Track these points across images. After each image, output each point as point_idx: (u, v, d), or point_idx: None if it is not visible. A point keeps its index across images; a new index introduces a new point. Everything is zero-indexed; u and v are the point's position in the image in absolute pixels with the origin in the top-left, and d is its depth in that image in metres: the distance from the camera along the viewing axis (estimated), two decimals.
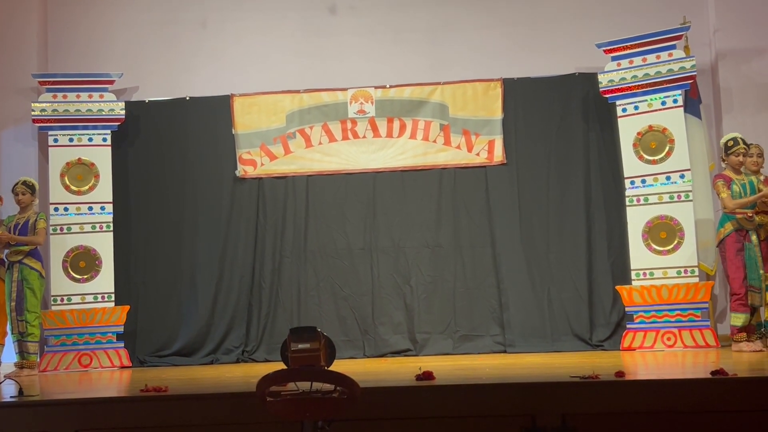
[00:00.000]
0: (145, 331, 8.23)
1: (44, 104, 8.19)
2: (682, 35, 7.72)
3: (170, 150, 8.50)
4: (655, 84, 7.63)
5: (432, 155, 8.31)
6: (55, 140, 8.22)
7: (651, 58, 7.66)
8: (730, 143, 7.05)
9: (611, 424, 4.24)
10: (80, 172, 8.18)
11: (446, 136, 8.29)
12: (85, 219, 8.11)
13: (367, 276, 8.22)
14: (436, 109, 8.31)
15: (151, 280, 8.36)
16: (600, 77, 7.81)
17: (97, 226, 8.12)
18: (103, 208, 8.15)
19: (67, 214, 8.09)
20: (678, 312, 7.33)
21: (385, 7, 8.70)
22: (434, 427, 4.35)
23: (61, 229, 8.06)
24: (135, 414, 4.58)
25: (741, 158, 7.01)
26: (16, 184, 7.75)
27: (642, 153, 7.65)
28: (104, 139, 8.27)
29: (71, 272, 8.01)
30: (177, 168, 8.48)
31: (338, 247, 8.29)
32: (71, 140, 8.22)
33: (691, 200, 7.49)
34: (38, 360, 7.65)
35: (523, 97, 8.26)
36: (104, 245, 8.09)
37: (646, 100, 7.68)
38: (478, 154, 8.25)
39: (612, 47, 7.79)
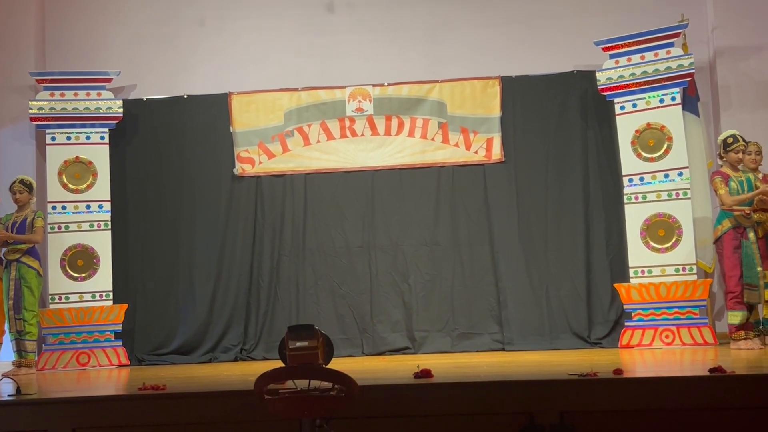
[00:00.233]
0: (143, 329, 8.23)
1: (42, 102, 8.18)
2: (681, 33, 7.72)
3: (168, 148, 8.50)
4: (653, 82, 7.63)
5: (430, 153, 8.30)
6: (53, 138, 8.21)
7: (649, 55, 7.65)
8: (730, 140, 7.05)
9: (609, 421, 4.23)
10: (78, 171, 8.17)
11: (444, 134, 8.29)
12: (83, 217, 8.10)
13: (365, 274, 8.22)
14: (434, 107, 8.31)
15: (150, 279, 8.36)
16: (598, 75, 7.80)
17: (95, 224, 8.11)
18: (101, 207, 8.15)
19: (64, 213, 8.08)
20: (676, 310, 7.33)
21: (383, 5, 8.69)
22: (432, 425, 4.35)
23: (59, 228, 8.05)
24: (133, 412, 4.57)
25: (740, 155, 7.00)
26: (14, 182, 7.74)
27: (640, 151, 7.65)
28: (102, 138, 8.26)
29: (69, 271, 8.00)
30: (175, 166, 8.47)
31: (336, 245, 8.29)
32: (69, 138, 8.21)
33: (689, 198, 7.49)
34: (36, 359, 7.64)
35: (521, 95, 8.26)
36: (102, 244, 8.09)
37: (645, 98, 7.68)
38: (476, 152, 8.24)
39: (610, 45, 7.78)
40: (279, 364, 4.30)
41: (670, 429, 4.20)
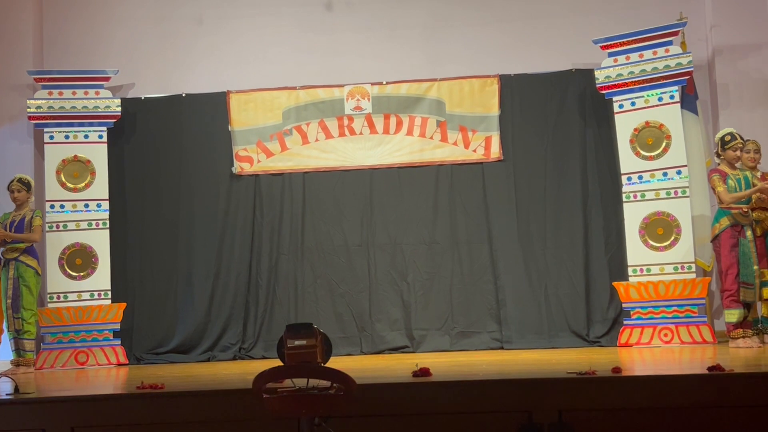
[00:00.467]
0: (142, 328, 8.23)
1: (40, 101, 8.17)
2: (679, 31, 7.72)
3: (166, 147, 8.49)
4: (651, 80, 7.63)
5: (429, 152, 8.30)
6: (51, 137, 8.20)
7: (648, 54, 7.65)
8: (727, 138, 7.04)
9: (608, 420, 4.24)
10: (76, 169, 8.16)
11: (443, 133, 8.28)
12: (81, 216, 8.09)
13: (364, 273, 8.22)
14: (432, 106, 8.30)
15: (148, 278, 8.35)
16: (597, 73, 7.80)
17: (93, 223, 8.11)
18: (99, 206, 8.14)
19: (63, 212, 8.07)
20: (675, 308, 7.33)
21: (381, 4, 8.69)
22: (431, 424, 4.35)
23: (57, 227, 8.04)
24: (131, 411, 4.57)
25: (737, 153, 7.00)
26: (12, 181, 7.74)
27: (639, 149, 7.65)
28: (100, 136, 8.25)
29: (67, 270, 7.99)
30: (173, 165, 8.46)
31: (335, 243, 8.29)
32: (67, 137, 8.20)
33: (687, 196, 7.49)
34: (34, 357, 7.64)
35: (519, 94, 8.26)
36: (100, 242, 8.08)
37: (643, 96, 7.68)
38: (474, 151, 8.24)
39: (609, 43, 7.78)
40: (278, 362, 4.32)
41: (668, 427, 4.20)
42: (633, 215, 7.61)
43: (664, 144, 7.58)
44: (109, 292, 8.04)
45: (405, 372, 5.13)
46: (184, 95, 8.51)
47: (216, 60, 8.67)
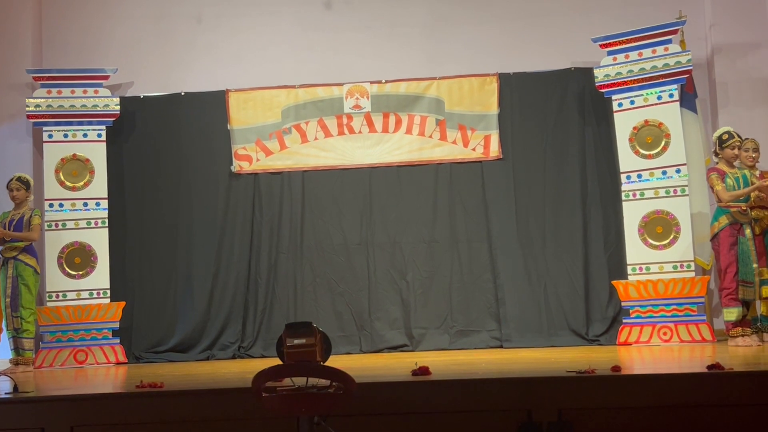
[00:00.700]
0: (141, 327, 8.22)
1: (39, 100, 8.17)
2: (678, 30, 7.71)
3: (165, 146, 8.48)
4: (651, 78, 7.62)
5: (428, 150, 8.30)
6: (50, 136, 8.20)
7: (647, 52, 7.65)
8: (725, 136, 7.04)
9: (608, 418, 4.24)
10: (75, 168, 8.15)
11: (442, 132, 8.28)
12: (80, 215, 8.09)
13: (363, 271, 8.22)
14: (431, 104, 8.30)
15: (147, 277, 8.35)
16: (596, 72, 7.80)
17: (92, 222, 8.10)
18: (98, 204, 8.13)
19: (62, 210, 8.07)
20: (674, 307, 7.33)
21: (380, 2, 8.68)
22: (430, 423, 4.35)
23: (56, 225, 8.04)
24: (131, 410, 4.57)
25: (735, 151, 7.00)
26: (11, 180, 7.74)
27: (638, 148, 7.65)
28: (99, 135, 8.24)
29: (66, 268, 7.99)
30: (172, 163, 8.46)
31: (334, 242, 8.29)
32: (66, 136, 8.19)
33: (687, 195, 7.49)
34: (33, 356, 7.64)
35: (519, 92, 8.26)
36: (99, 241, 8.08)
37: (642, 95, 7.67)
38: (474, 149, 8.24)
39: (608, 42, 7.78)
40: (277, 361, 4.31)
41: (668, 426, 4.20)
42: (632, 214, 7.61)
43: (663, 143, 7.58)
44: (108, 291, 8.04)
45: (404, 371, 5.13)
46: (183, 94, 8.51)
47: (215, 58, 8.67)
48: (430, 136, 8.30)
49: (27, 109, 8.16)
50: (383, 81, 8.35)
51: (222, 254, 8.32)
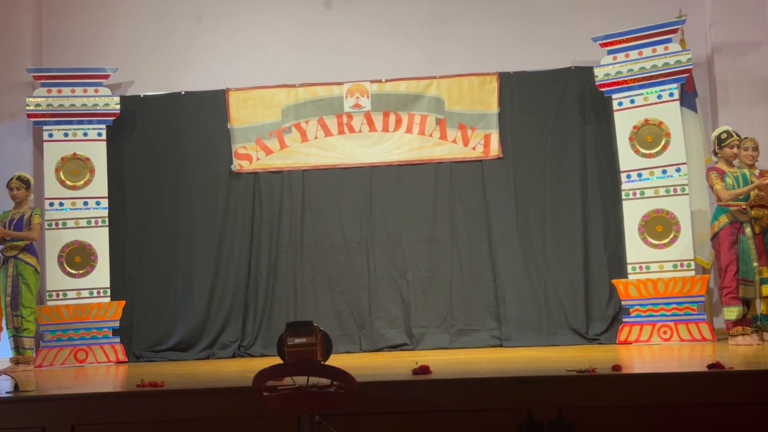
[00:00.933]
0: (141, 326, 8.23)
1: (39, 99, 8.16)
2: (678, 29, 7.72)
3: (165, 145, 8.49)
4: (651, 77, 7.62)
5: (428, 149, 8.30)
6: (50, 135, 8.20)
7: (647, 51, 7.65)
8: (724, 135, 7.04)
9: (608, 417, 4.24)
10: (75, 167, 8.15)
11: (442, 131, 8.28)
12: (80, 214, 8.09)
13: (363, 270, 8.22)
14: (431, 103, 8.30)
15: (147, 276, 8.35)
16: (596, 71, 7.79)
17: (93, 221, 8.10)
18: (98, 203, 8.13)
19: (62, 209, 8.07)
20: (674, 306, 7.33)
21: (380, 1, 8.69)
22: (431, 422, 4.35)
23: (56, 224, 8.04)
24: (131, 409, 4.57)
25: (734, 150, 6.99)
26: (11, 179, 7.73)
27: (638, 147, 7.65)
28: (99, 134, 8.24)
29: (66, 267, 7.99)
30: (172, 163, 8.46)
31: (334, 241, 8.29)
32: (66, 135, 8.19)
33: (687, 194, 7.49)
34: (34, 355, 7.64)
35: (519, 91, 8.26)
36: (99, 240, 8.08)
37: (642, 94, 7.67)
38: (474, 149, 8.24)
39: (608, 41, 7.78)
40: (277, 360, 4.31)
41: (668, 425, 4.20)
42: (632, 213, 7.61)
43: (663, 142, 7.58)
44: (108, 290, 8.04)
45: (405, 370, 5.13)
46: (183, 93, 8.51)
47: (215, 58, 8.67)
48: (431, 135, 8.30)
49: (27, 108, 8.16)
50: (383, 80, 8.35)
51: (222, 253, 8.32)
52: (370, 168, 8.34)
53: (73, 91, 8.21)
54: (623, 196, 7.67)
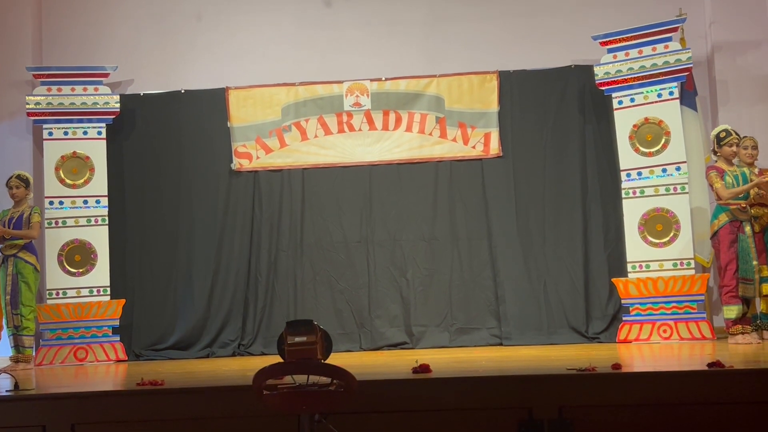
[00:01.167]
0: (141, 324, 8.23)
1: (39, 97, 8.16)
2: (678, 27, 7.72)
3: (165, 143, 8.48)
4: (651, 76, 7.62)
5: (428, 148, 8.29)
6: (50, 134, 8.19)
7: (647, 50, 7.65)
8: (722, 134, 7.04)
9: (608, 416, 4.24)
10: (75, 166, 8.15)
11: (442, 129, 8.28)
12: (80, 212, 8.09)
13: (363, 269, 8.22)
14: (431, 102, 8.30)
15: (147, 274, 8.35)
16: (596, 69, 7.79)
17: (92, 219, 8.10)
18: (98, 202, 8.13)
19: (62, 208, 8.07)
20: (674, 304, 7.34)
21: (380, 0, 8.68)
22: (431, 420, 4.35)
23: (56, 223, 8.04)
24: (131, 408, 4.57)
25: (733, 148, 6.99)
26: (10, 177, 7.72)
27: (638, 145, 7.65)
28: (99, 133, 8.24)
29: (66, 266, 7.99)
30: (172, 161, 8.46)
31: (334, 240, 8.29)
32: (66, 133, 8.19)
33: (687, 192, 7.50)
34: (33, 354, 7.64)
35: (519, 90, 8.26)
36: (99, 239, 8.08)
37: (642, 93, 7.67)
38: (474, 147, 8.24)
39: (608, 39, 7.77)
40: (277, 359, 4.31)
41: (668, 424, 4.20)
42: (632, 211, 7.61)
43: (663, 140, 7.58)
44: (108, 289, 8.04)
45: (405, 368, 5.13)
46: (183, 91, 8.50)
47: (215, 56, 8.66)
48: (430, 134, 8.29)
49: (27, 106, 8.16)
50: (383, 78, 8.35)
51: (222, 252, 8.32)
52: (369, 167, 8.34)
53: (73, 89, 8.20)
54: (623, 195, 7.67)
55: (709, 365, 4.44)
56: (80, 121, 8.21)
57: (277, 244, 8.32)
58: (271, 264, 8.29)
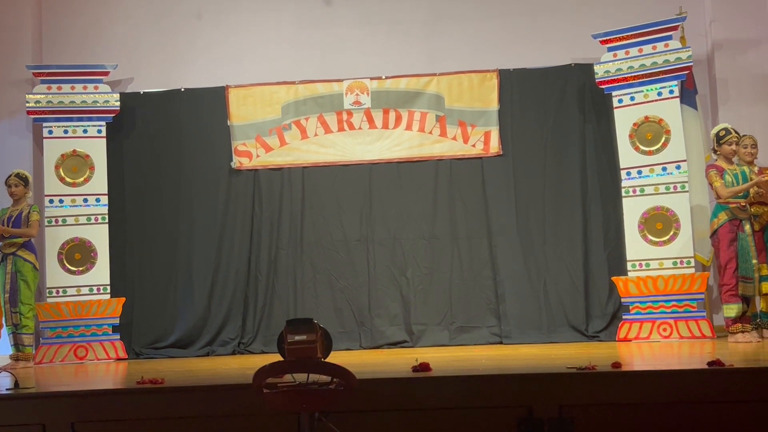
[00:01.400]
0: (141, 323, 8.23)
1: (39, 96, 8.16)
2: (679, 26, 7.71)
3: (165, 142, 8.48)
4: (651, 75, 7.62)
5: (428, 147, 8.29)
6: (50, 132, 8.19)
7: (647, 48, 7.65)
8: (722, 133, 7.04)
9: (608, 414, 4.24)
10: (75, 164, 8.15)
11: (442, 128, 8.28)
12: (80, 211, 8.09)
13: (363, 267, 8.22)
14: (431, 101, 8.30)
15: (147, 272, 8.35)
16: (596, 68, 7.79)
17: (92, 218, 8.11)
18: (98, 200, 8.14)
19: (62, 206, 8.07)
20: (674, 303, 7.34)
21: None
22: (431, 419, 4.35)
23: (56, 221, 8.04)
24: (131, 406, 4.57)
25: (734, 147, 7.00)
26: (9, 176, 7.72)
27: (638, 144, 7.65)
28: (99, 131, 8.24)
29: (66, 264, 7.99)
30: (172, 160, 8.46)
31: (334, 238, 8.28)
32: (66, 132, 8.19)
33: (687, 191, 7.50)
34: (33, 352, 7.64)
35: (519, 88, 8.25)
36: (99, 237, 8.08)
37: (642, 91, 7.67)
38: (474, 146, 8.24)
39: (608, 38, 7.77)
40: (277, 357, 4.31)
41: (668, 422, 4.20)
42: (632, 210, 7.61)
43: (663, 139, 7.58)
44: (108, 287, 8.04)
45: (405, 367, 5.13)
46: (183, 90, 8.50)
47: (215, 55, 8.66)
48: (430, 133, 8.29)
49: (27, 105, 8.16)
50: (383, 77, 8.34)
51: (222, 250, 8.32)
52: (369, 165, 8.34)
53: (72, 88, 8.20)
54: (623, 194, 7.67)
55: (708, 364, 4.44)
56: (80, 119, 8.21)
57: (277, 242, 8.32)
58: (271, 262, 8.29)
